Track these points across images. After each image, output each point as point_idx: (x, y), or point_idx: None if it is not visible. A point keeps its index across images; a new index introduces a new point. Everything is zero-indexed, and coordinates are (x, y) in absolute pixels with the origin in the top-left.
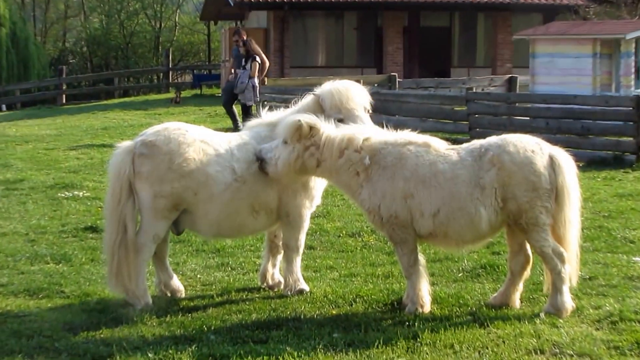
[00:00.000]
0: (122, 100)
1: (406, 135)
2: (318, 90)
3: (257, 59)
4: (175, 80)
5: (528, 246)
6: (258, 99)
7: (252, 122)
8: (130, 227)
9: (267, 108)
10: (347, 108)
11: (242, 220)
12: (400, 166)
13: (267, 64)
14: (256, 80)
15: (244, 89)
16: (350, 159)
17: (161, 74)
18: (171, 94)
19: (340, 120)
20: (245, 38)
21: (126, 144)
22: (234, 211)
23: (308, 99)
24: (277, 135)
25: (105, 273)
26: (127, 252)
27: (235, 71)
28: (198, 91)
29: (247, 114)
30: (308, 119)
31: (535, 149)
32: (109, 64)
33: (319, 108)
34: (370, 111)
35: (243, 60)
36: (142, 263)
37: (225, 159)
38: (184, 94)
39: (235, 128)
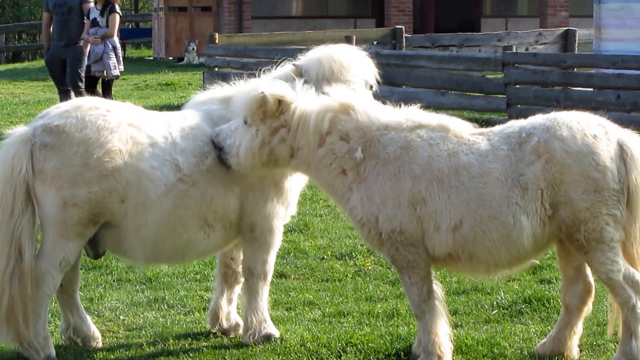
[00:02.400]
0: (10, 66)
1: (415, 115)
2: (300, 60)
3: (117, 8)
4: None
5: (589, 271)
6: (122, 67)
7: (200, 97)
8: (27, 250)
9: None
10: (341, 80)
11: (188, 237)
12: (406, 159)
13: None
14: (117, 40)
15: (101, 56)
16: (334, 150)
17: None
18: None
19: None
20: None
21: (20, 130)
22: (178, 225)
23: (285, 70)
24: (234, 113)
25: None
26: (22, 285)
27: (48, 34)
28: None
29: (108, 91)
30: (274, 89)
31: (598, 133)
32: None
33: None
34: (376, 88)
35: (94, 10)
36: (43, 300)
37: (165, 151)
38: None
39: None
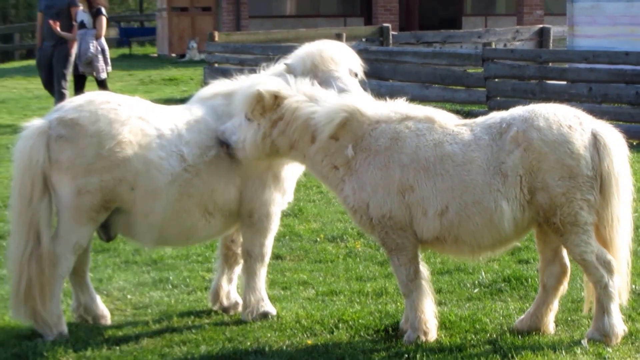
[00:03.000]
0: (25, 63)
1: (402, 108)
2: (290, 59)
3: (104, 11)
4: None
5: (565, 253)
6: (110, 67)
7: (205, 92)
8: (45, 235)
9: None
10: (323, 70)
11: (191, 223)
12: (395, 150)
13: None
14: (104, 42)
15: (92, 58)
16: (324, 148)
17: None
18: None
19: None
20: None
21: (37, 123)
22: (183, 212)
23: (277, 69)
24: (235, 110)
25: (5, 294)
26: (40, 267)
27: (41, 34)
28: (127, 50)
29: (105, 88)
30: (269, 85)
31: (573, 123)
32: (6, 15)
33: None
34: (361, 76)
35: (81, 13)
36: (57, 281)
37: (171, 142)
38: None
39: None
